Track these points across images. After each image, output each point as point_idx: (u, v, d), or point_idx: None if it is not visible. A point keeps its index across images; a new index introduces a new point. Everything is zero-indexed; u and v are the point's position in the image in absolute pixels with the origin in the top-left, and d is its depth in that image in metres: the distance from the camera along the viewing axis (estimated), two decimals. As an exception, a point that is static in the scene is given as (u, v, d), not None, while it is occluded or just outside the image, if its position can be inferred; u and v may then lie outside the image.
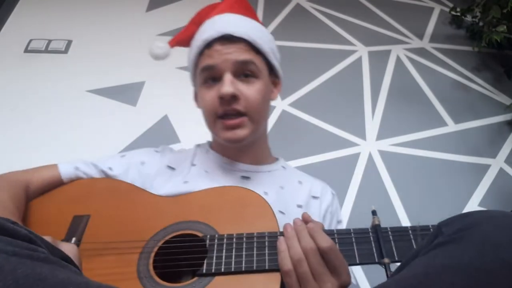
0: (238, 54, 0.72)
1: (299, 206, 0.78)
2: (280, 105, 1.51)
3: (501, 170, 1.38)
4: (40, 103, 1.45)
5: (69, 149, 1.31)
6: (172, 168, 0.80)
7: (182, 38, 0.81)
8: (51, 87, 1.50)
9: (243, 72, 0.73)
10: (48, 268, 0.38)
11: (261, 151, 0.85)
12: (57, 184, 0.75)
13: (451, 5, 1.90)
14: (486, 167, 1.39)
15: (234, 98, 0.71)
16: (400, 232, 0.59)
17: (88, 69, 1.57)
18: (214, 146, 0.84)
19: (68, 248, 0.52)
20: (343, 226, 0.85)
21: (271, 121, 1.46)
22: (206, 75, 0.74)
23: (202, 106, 0.78)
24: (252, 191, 0.67)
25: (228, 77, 0.71)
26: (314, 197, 0.82)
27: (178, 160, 0.82)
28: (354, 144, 1.42)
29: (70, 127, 1.38)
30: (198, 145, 0.87)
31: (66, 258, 0.44)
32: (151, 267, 0.59)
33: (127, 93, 1.49)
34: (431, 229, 0.58)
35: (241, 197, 0.67)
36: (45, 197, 0.72)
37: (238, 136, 0.73)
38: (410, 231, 0.59)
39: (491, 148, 1.44)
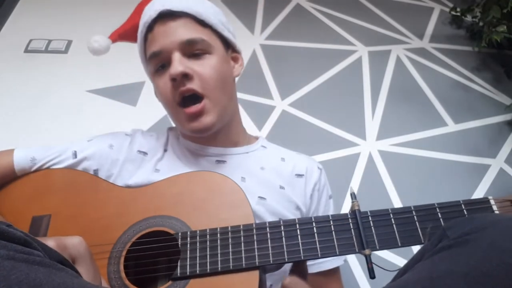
0: (182, 32, 0.66)
1: (282, 188, 0.74)
2: (280, 105, 1.51)
3: (501, 170, 1.38)
4: (40, 103, 1.45)
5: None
6: (144, 153, 0.74)
7: (124, 30, 0.75)
8: (51, 87, 1.50)
9: (192, 51, 0.67)
10: (44, 272, 0.37)
11: (235, 133, 0.79)
12: (10, 175, 0.68)
13: (451, 5, 1.90)
14: (486, 167, 1.39)
15: (186, 77, 0.65)
16: (380, 216, 0.56)
17: (88, 69, 1.57)
18: (183, 134, 0.79)
19: (75, 242, 0.49)
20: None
21: (271, 121, 1.46)
22: (155, 63, 0.68)
23: (159, 97, 0.72)
24: (224, 175, 0.62)
25: (176, 57, 0.65)
26: (299, 175, 0.77)
27: (150, 143, 0.76)
28: (354, 144, 1.42)
29: (70, 127, 1.38)
30: (170, 129, 0.82)
31: (62, 261, 0.44)
32: (122, 274, 0.55)
33: (127, 93, 1.49)
34: (413, 211, 0.56)
35: (212, 183, 0.62)
36: None
37: (204, 124, 0.67)
38: (391, 215, 0.56)
39: (491, 148, 1.44)
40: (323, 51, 1.72)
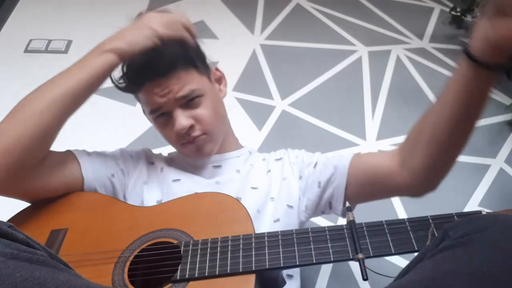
0: (175, 89, 0.72)
1: (269, 171, 0.81)
2: (280, 105, 1.51)
3: (501, 170, 1.38)
4: (40, 103, 1.44)
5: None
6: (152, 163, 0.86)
7: None
8: (51, 87, 1.50)
9: (188, 99, 0.74)
10: (47, 271, 0.37)
11: (228, 145, 0.87)
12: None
13: (451, 5, 1.90)
14: (486, 167, 1.38)
15: (190, 128, 0.74)
16: (374, 227, 0.59)
17: (88, 69, 1.57)
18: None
19: None
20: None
21: (271, 121, 1.46)
22: (155, 115, 0.77)
23: (162, 136, 0.82)
24: (228, 195, 0.68)
25: (178, 113, 0.73)
26: (277, 159, 0.85)
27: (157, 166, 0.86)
28: (354, 144, 1.42)
29: (70, 127, 1.38)
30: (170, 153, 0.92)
31: (64, 262, 0.44)
32: (125, 276, 0.60)
33: (127, 93, 1.49)
34: (406, 222, 0.58)
35: (217, 202, 0.68)
36: (22, 214, 0.72)
37: (204, 152, 0.78)
38: (385, 226, 0.58)
39: (491, 148, 1.44)
40: (323, 51, 1.72)
